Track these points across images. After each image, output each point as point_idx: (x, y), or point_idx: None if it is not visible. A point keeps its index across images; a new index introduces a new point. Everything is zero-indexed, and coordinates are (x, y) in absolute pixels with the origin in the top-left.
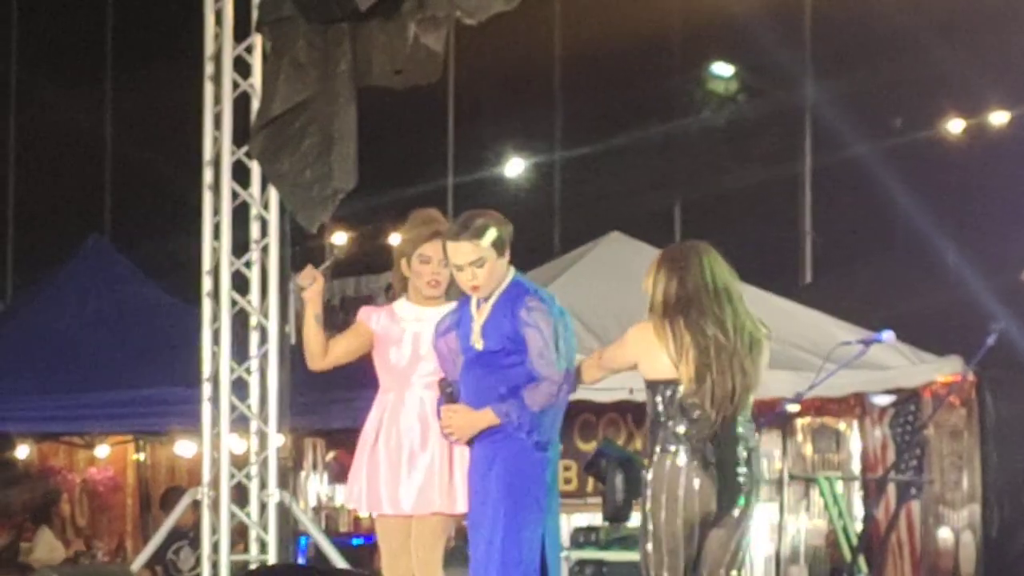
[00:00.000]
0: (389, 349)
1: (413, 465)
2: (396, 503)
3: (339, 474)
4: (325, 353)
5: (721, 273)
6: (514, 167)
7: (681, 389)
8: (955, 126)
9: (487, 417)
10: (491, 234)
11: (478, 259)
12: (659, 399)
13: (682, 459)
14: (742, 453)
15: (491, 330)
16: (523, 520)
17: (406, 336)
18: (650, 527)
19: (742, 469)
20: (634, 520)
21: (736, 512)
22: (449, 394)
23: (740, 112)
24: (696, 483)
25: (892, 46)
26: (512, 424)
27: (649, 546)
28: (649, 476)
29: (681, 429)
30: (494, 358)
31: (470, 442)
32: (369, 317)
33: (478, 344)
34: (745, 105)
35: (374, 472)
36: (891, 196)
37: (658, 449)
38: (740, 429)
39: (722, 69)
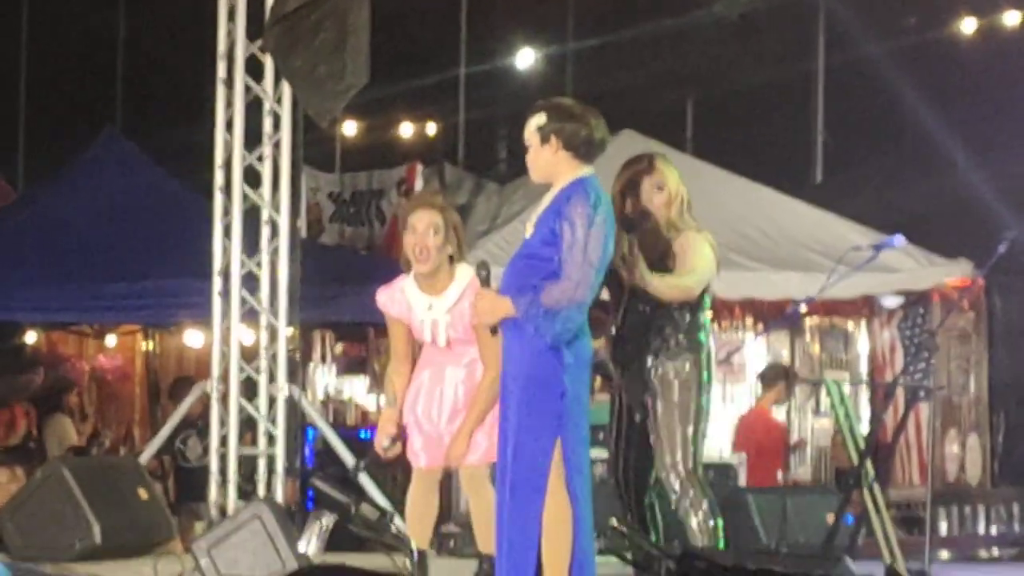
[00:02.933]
0: (415, 331)
1: (453, 421)
2: (434, 458)
3: (347, 367)
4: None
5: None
6: (525, 58)
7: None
8: (968, 25)
9: (507, 305)
10: (537, 119)
11: (526, 140)
12: (702, 303)
13: (708, 355)
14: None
15: (541, 223)
16: (536, 423)
17: (425, 327)
18: (700, 419)
19: None
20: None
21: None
22: (483, 277)
23: (753, 8)
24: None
25: None
26: (528, 317)
27: (697, 436)
28: (700, 368)
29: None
30: (534, 249)
31: (495, 331)
32: (390, 308)
33: (529, 231)
34: (758, 1)
35: (418, 427)
36: (902, 96)
37: (698, 344)
38: None
39: None
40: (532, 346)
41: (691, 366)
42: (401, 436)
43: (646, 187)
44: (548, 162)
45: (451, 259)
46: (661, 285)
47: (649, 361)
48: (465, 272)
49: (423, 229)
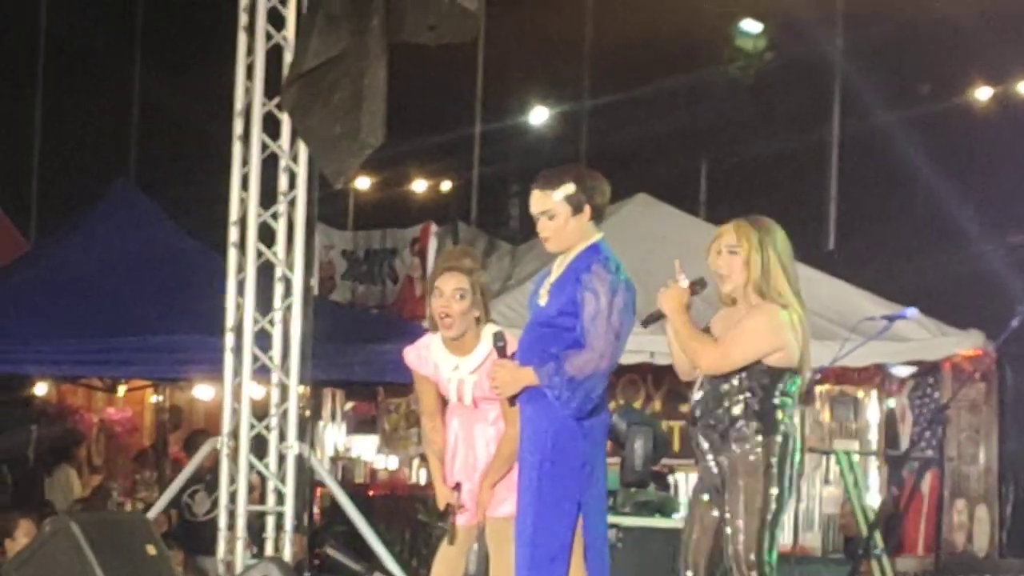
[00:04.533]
0: (442, 390)
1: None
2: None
3: (357, 425)
4: (442, 430)
5: (788, 247)
6: (539, 116)
7: (797, 377)
8: (983, 94)
9: (528, 376)
10: (567, 188)
11: (548, 211)
12: (780, 385)
13: (792, 441)
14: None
15: (557, 290)
16: (558, 486)
17: (451, 387)
18: (770, 504)
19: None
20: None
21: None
22: (500, 348)
23: (768, 70)
24: (799, 461)
25: (922, 12)
26: (551, 387)
27: (766, 522)
28: (772, 459)
29: (791, 412)
30: (553, 319)
31: (513, 401)
32: (418, 366)
33: (543, 300)
34: (773, 64)
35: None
36: (916, 164)
37: (776, 431)
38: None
39: (751, 26)
40: (553, 416)
41: (762, 451)
42: (459, 487)
43: (711, 250)
44: (575, 230)
45: (477, 321)
46: (690, 344)
47: (716, 442)
48: (492, 333)
49: (449, 293)
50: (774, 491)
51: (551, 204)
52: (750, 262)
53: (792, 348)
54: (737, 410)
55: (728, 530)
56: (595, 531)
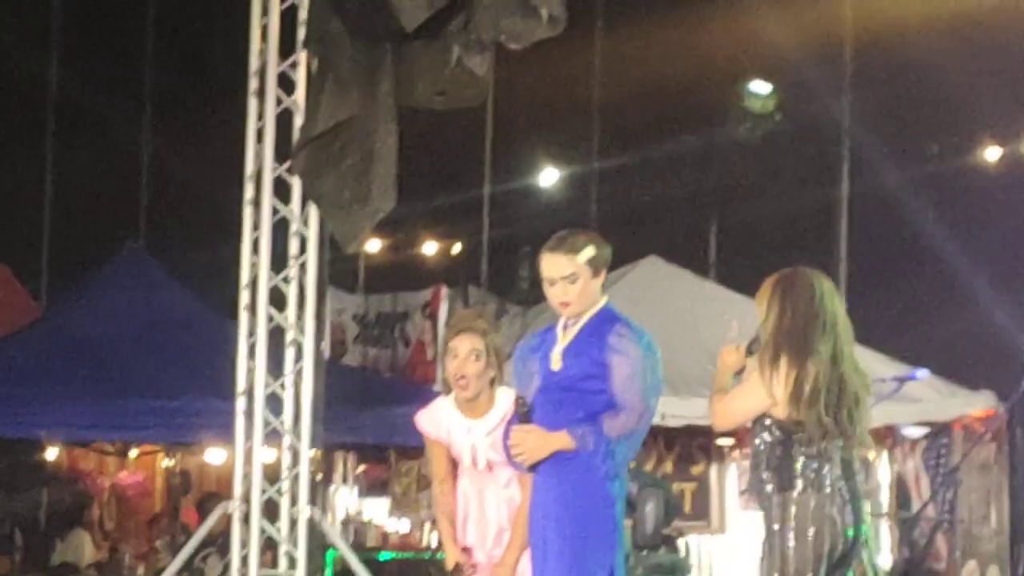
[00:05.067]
0: (455, 453)
1: (499, 543)
2: None
3: (368, 488)
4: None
5: (832, 302)
6: (549, 177)
7: (809, 429)
8: (991, 154)
9: (561, 439)
10: (589, 251)
11: (571, 274)
12: (794, 438)
13: (820, 496)
14: (860, 489)
15: (575, 353)
16: (591, 553)
17: (465, 450)
18: (789, 567)
19: (862, 505)
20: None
21: (860, 552)
22: (524, 414)
23: (777, 132)
24: (838, 520)
25: (930, 72)
26: (587, 449)
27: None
28: (790, 516)
29: (816, 466)
30: (574, 382)
31: (534, 468)
32: (430, 430)
33: (556, 365)
34: (782, 125)
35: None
36: (926, 224)
37: (794, 488)
38: (855, 466)
39: (759, 87)
40: (582, 481)
41: (778, 509)
42: (469, 551)
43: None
44: (591, 293)
45: (492, 382)
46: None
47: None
48: (506, 396)
49: (464, 355)
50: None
51: (575, 267)
52: (762, 317)
53: (785, 403)
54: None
55: None
56: None
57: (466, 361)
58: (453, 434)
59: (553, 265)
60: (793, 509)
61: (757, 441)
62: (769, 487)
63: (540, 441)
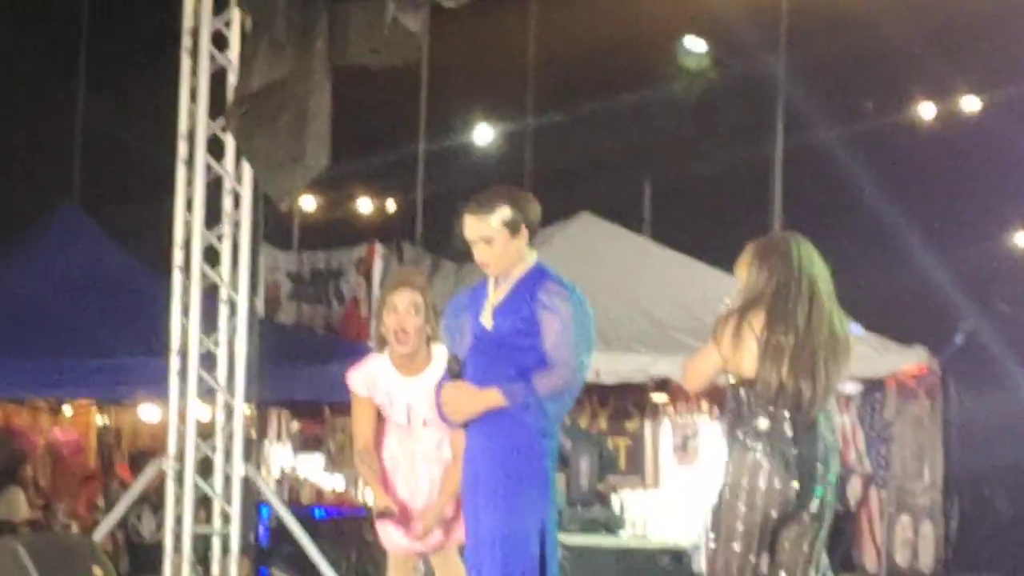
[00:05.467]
0: (388, 411)
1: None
2: (412, 544)
3: (303, 445)
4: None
5: (811, 267)
6: (483, 135)
7: (765, 387)
8: (925, 111)
9: (492, 396)
10: (503, 213)
11: (487, 236)
12: (742, 395)
13: (762, 456)
14: (821, 451)
15: (506, 311)
16: (522, 509)
17: (400, 408)
18: (721, 524)
19: (820, 467)
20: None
21: (812, 510)
22: (456, 371)
23: (711, 89)
24: (776, 481)
25: (864, 30)
26: (518, 406)
27: (723, 542)
28: (730, 473)
29: (763, 426)
30: (506, 340)
31: (466, 425)
32: (361, 387)
33: (488, 323)
34: (717, 82)
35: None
36: (861, 181)
37: (740, 446)
38: (820, 427)
39: (694, 44)
40: (514, 436)
41: (729, 466)
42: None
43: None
44: (515, 252)
45: (428, 339)
46: None
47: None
48: (443, 353)
49: (404, 309)
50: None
51: (488, 230)
52: (741, 280)
53: (744, 361)
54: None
55: None
56: (552, 549)
57: (406, 315)
58: (390, 392)
59: (470, 227)
60: (742, 467)
61: (727, 400)
62: (728, 445)
63: (471, 398)
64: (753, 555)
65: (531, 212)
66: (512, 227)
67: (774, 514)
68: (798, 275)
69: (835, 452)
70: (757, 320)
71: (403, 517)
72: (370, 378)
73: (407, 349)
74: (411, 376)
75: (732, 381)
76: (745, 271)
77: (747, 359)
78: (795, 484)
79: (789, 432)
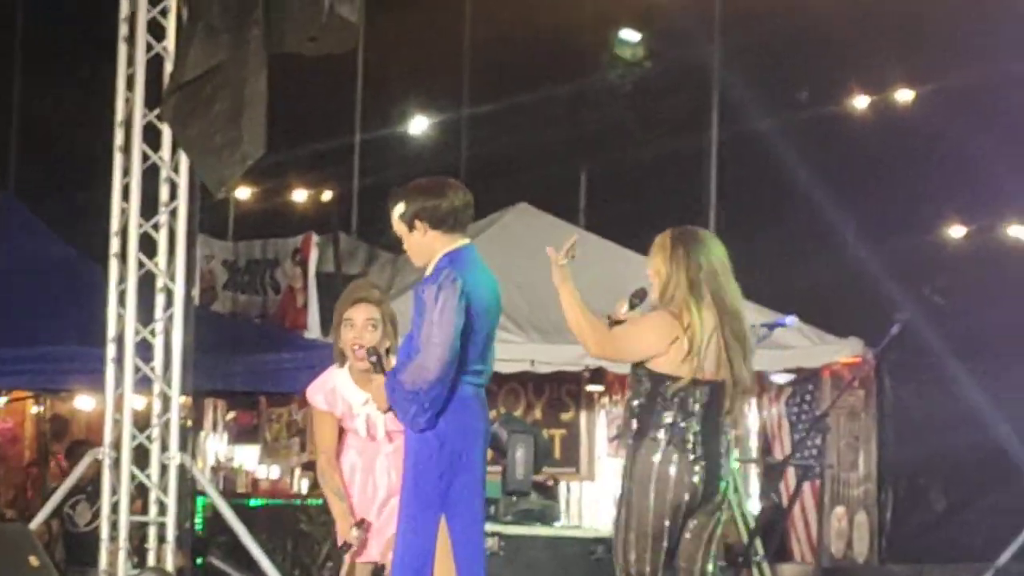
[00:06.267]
0: (348, 423)
1: (382, 513)
2: (367, 552)
3: (238, 435)
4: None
5: (722, 261)
6: (419, 124)
7: (683, 382)
8: (860, 102)
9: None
10: (397, 208)
11: (396, 230)
12: (661, 389)
13: (670, 449)
14: (724, 445)
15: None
16: (419, 504)
17: (360, 421)
18: (633, 515)
19: (723, 461)
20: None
21: (715, 502)
22: (373, 363)
23: (647, 78)
24: (684, 474)
25: (800, 20)
26: (393, 404)
27: (631, 535)
28: (637, 464)
29: (672, 420)
30: (408, 337)
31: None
32: (321, 402)
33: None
34: (652, 71)
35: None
36: (796, 171)
37: (649, 436)
38: (723, 422)
39: (629, 34)
40: (410, 428)
41: (635, 461)
42: (364, 524)
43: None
44: (421, 245)
45: (388, 351)
46: (581, 321)
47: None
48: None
49: (361, 324)
50: (645, 499)
51: (395, 225)
52: (656, 273)
53: (667, 356)
54: (628, 413)
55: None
56: (465, 540)
57: (363, 331)
58: (350, 406)
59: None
60: (648, 462)
61: (630, 392)
62: (630, 439)
63: (377, 392)
64: (661, 545)
65: (423, 204)
66: (407, 222)
67: (681, 506)
68: (712, 269)
69: (733, 447)
70: (690, 315)
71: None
72: (329, 392)
73: (365, 365)
74: (366, 391)
75: (643, 373)
76: (667, 264)
77: (679, 354)
78: (701, 477)
79: (697, 426)
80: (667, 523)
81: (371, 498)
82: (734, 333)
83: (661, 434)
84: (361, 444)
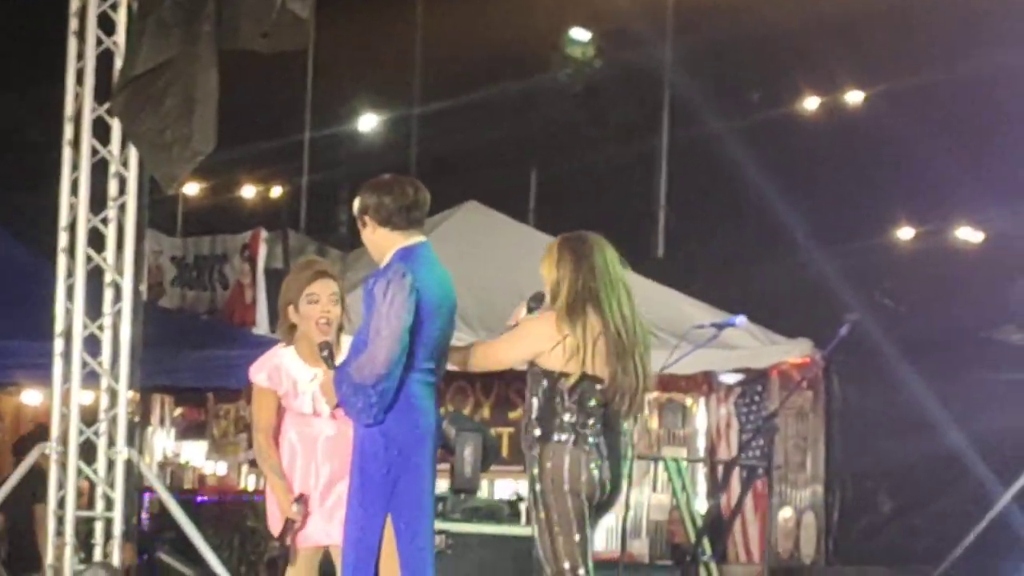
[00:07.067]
0: (291, 401)
1: (329, 493)
2: (309, 535)
3: (186, 430)
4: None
5: (618, 268)
6: (369, 123)
7: (574, 378)
8: (811, 103)
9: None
10: (355, 205)
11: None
12: (558, 387)
13: (575, 450)
14: (623, 445)
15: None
16: (364, 500)
17: (304, 397)
18: (552, 515)
19: (624, 461)
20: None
21: (617, 497)
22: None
23: (597, 79)
24: (595, 472)
25: (751, 22)
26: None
27: (558, 534)
28: (546, 465)
29: (573, 420)
30: (360, 330)
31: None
32: (263, 379)
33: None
34: (603, 72)
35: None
36: (746, 173)
37: (553, 438)
38: (625, 424)
39: (580, 34)
40: (357, 423)
41: (540, 461)
42: (303, 498)
43: None
44: (372, 242)
45: (340, 328)
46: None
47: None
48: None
49: (327, 298)
50: (563, 498)
51: (358, 221)
52: (546, 277)
53: (553, 355)
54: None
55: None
56: (411, 532)
57: (328, 304)
58: (296, 382)
59: None
60: (558, 464)
61: (529, 394)
62: (532, 438)
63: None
64: (585, 537)
65: (370, 200)
66: (361, 217)
67: (592, 501)
68: (609, 272)
69: (631, 443)
70: (576, 316)
71: (306, 518)
72: (275, 369)
73: (329, 339)
74: (318, 366)
75: (537, 371)
76: (555, 268)
77: (560, 353)
78: (607, 473)
79: (598, 425)
80: (586, 516)
81: (313, 484)
82: (620, 332)
83: (564, 436)
84: (301, 425)
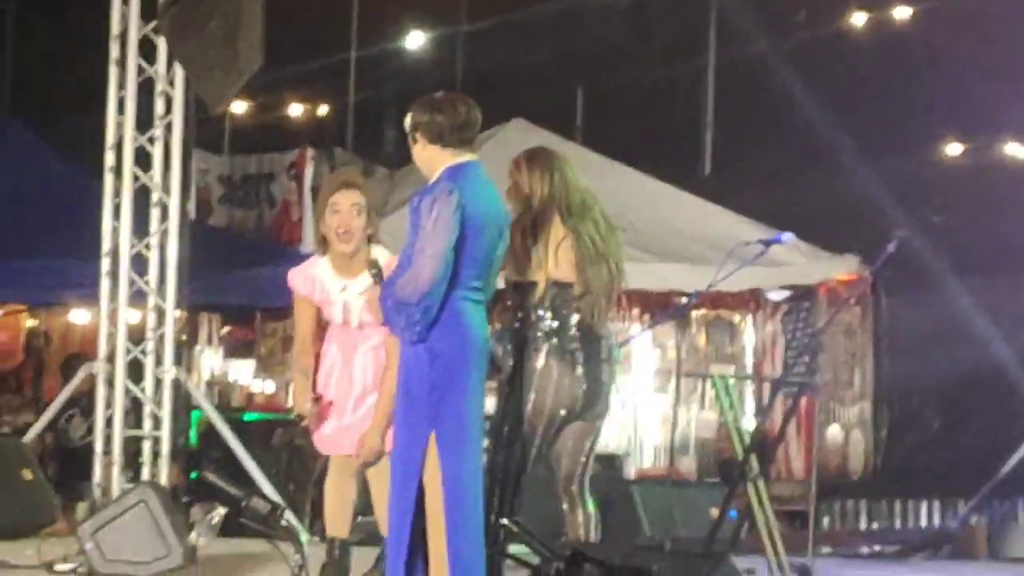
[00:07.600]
0: (326, 311)
1: (361, 403)
2: (342, 445)
3: (233, 349)
4: (313, 352)
5: (579, 178)
6: (416, 40)
7: (553, 289)
8: (857, 20)
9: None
10: (407, 120)
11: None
12: (529, 298)
13: (550, 359)
14: (605, 351)
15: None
16: (409, 418)
17: (337, 309)
18: (508, 419)
19: (605, 367)
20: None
21: (597, 408)
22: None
23: None
24: (565, 380)
25: None
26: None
27: (504, 436)
28: (514, 371)
29: (549, 328)
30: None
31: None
32: (302, 288)
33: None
34: None
35: (327, 416)
36: (793, 91)
37: (527, 347)
38: (603, 329)
39: None
40: (401, 340)
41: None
42: (320, 399)
43: None
44: (421, 159)
45: (369, 240)
46: None
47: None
48: (381, 255)
49: (347, 209)
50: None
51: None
52: (512, 188)
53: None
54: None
55: None
56: (455, 452)
57: (349, 215)
58: (327, 292)
59: None
60: (531, 368)
61: (508, 314)
62: (514, 344)
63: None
64: (531, 450)
65: (421, 118)
66: (412, 134)
67: (557, 415)
68: (576, 184)
69: (618, 355)
70: (551, 226)
71: (337, 412)
72: (309, 279)
73: (349, 248)
74: (349, 278)
75: (506, 289)
76: (527, 180)
77: (534, 262)
78: (583, 386)
79: (575, 331)
80: (541, 428)
81: (347, 392)
82: (594, 239)
83: (540, 343)
84: (340, 335)
